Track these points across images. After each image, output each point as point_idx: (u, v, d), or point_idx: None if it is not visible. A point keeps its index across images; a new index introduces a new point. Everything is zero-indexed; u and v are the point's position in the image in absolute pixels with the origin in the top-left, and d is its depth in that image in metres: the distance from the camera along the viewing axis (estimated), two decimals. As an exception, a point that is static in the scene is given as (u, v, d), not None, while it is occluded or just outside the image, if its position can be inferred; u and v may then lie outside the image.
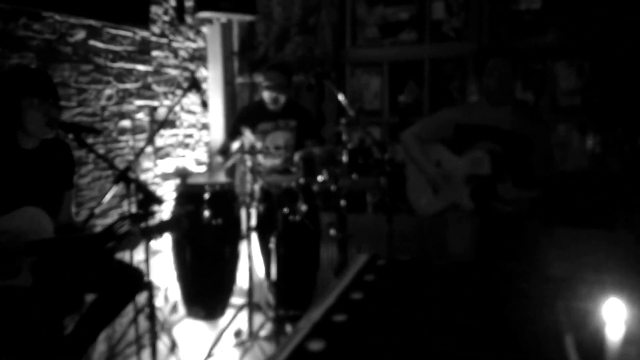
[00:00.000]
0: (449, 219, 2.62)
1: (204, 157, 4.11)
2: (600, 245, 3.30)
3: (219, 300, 3.13)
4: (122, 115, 3.19)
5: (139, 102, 3.36)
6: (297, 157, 3.11)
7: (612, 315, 1.02)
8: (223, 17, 3.59)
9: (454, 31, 3.72)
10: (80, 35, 2.87)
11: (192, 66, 3.94)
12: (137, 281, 2.36)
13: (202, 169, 4.05)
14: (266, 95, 3.30)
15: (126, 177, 2.38)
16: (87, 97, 2.94)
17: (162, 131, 3.61)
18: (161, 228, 2.12)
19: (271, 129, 3.34)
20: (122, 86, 3.20)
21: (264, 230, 3.01)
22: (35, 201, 1.99)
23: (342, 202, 3.05)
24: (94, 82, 2.98)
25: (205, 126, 4.17)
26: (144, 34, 3.38)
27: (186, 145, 3.90)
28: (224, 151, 3.41)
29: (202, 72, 4.07)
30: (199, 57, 4.03)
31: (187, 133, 3.93)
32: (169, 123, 3.69)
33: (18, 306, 1.94)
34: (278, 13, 4.00)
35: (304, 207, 2.92)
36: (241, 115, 3.46)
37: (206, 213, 2.97)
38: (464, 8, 3.66)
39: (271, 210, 2.95)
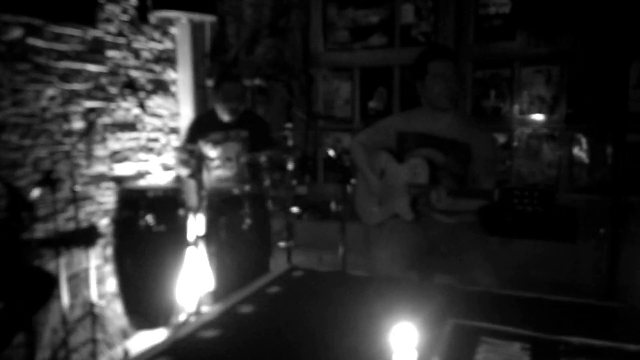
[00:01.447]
0: (383, 230, 2.42)
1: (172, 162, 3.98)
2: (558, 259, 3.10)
3: (162, 309, 2.97)
4: (67, 117, 3.07)
5: (91, 104, 3.24)
6: (241, 162, 2.95)
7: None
8: (182, 16, 3.45)
9: (424, 35, 3.51)
10: (17, 33, 2.77)
11: (157, 68, 3.82)
12: (51, 284, 2.24)
13: (169, 173, 3.91)
14: (224, 106, 3.16)
15: (51, 180, 2.27)
16: (24, 98, 2.83)
17: (119, 134, 3.50)
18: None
19: (222, 140, 3.20)
20: (68, 87, 3.09)
21: (209, 238, 2.86)
22: None
23: (295, 210, 2.88)
24: (33, 82, 2.88)
25: (174, 130, 4.04)
26: (97, 33, 3.27)
27: (150, 150, 3.77)
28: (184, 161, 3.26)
29: (169, 75, 3.94)
30: (166, 58, 3.91)
31: (151, 137, 3.80)
32: (128, 126, 3.57)
33: None
34: (248, 14, 3.86)
35: (247, 214, 2.76)
36: (193, 124, 3.34)
37: (147, 219, 2.81)
38: (433, 12, 3.44)
39: (215, 218, 2.80)
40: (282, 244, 2.80)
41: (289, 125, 2.74)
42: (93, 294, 2.85)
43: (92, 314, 2.87)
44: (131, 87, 2.72)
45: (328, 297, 1.72)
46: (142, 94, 2.98)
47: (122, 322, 3.20)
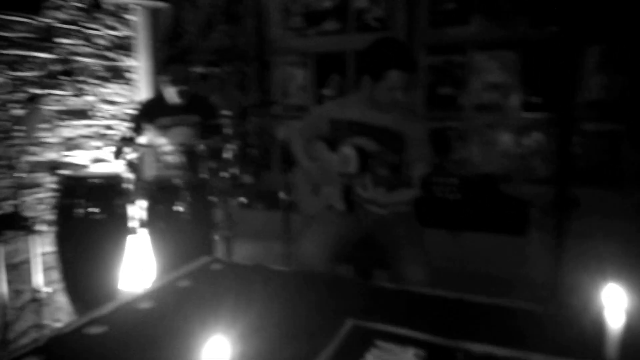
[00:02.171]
0: (313, 221, 2.43)
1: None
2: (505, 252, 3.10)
3: (102, 296, 3.01)
4: (14, 104, 3.09)
5: (41, 92, 3.26)
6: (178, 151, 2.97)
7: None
8: (134, 3, 3.45)
9: (377, 21, 3.49)
10: (-44, 20, 2.79)
11: (113, 55, 3.83)
12: None
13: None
14: (172, 90, 3.16)
15: None
16: (-34, 85, 2.86)
17: (72, 121, 3.52)
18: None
19: (171, 124, 3.20)
20: (15, 74, 3.10)
21: (148, 227, 2.89)
22: None
23: (240, 199, 2.91)
24: (-25, 70, 2.90)
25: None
26: (47, 20, 3.27)
27: (105, 137, 3.80)
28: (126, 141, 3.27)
29: (125, 62, 3.95)
30: (123, 45, 3.91)
31: (107, 124, 3.82)
32: (79, 113, 3.59)
33: None
34: (203, 1, 3.85)
35: (185, 203, 2.79)
36: (140, 110, 3.33)
37: (87, 206, 2.84)
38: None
39: (153, 207, 2.83)
40: (219, 234, 2.82)
41: (226, 112, 2.73)
42: (37, 281, 2.89)
43: (35, 300, 2.91)
44: (68, 74, 2.72)
45: (238, 292, 1.72)
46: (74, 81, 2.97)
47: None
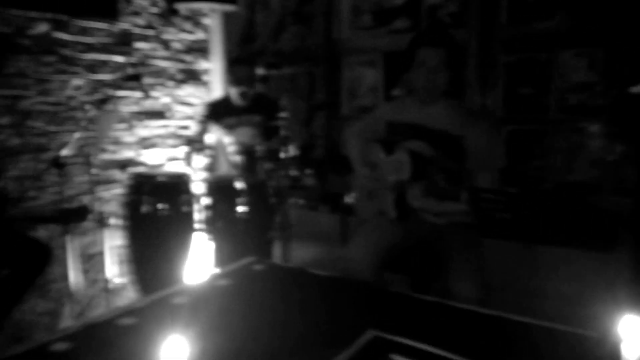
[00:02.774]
0: (364, 227, 2.36)
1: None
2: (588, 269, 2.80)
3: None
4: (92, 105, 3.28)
5: (120, 93, 3.44)
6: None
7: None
8: (204, 7, 3.56)
9: (451, 17, 3.34)
10: (42, 28, 3.00)
11: (188, 58, 3.97)
12: (48, 254, 2.43)
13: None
14: (233, 90, 3.23)
15: (59, 163, 2.47)
16: (50, 87, 3.07)
17: (148, 122, 3.69)
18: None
19: (236, 124, 3.26)
20: (94, 77, 3.30)
21: (208, 226, 2.96)
22: None
23: (300, 201, 2.90)
24: (58, 73, 3.10)
25: (206, 118, 4.19)
26: (125, 26, 3.46)
27: (179, 136, 3.94)
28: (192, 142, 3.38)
29: (201, 64, 4.08)
30: (198, 49, 4.05)
31: (181, 124, 3.96)
32: (156, 114, 3.76)
33: None
34: (275, 2, 3.89)
35: (244, 203, 2.82)
36: (208, 110, 3.43)
37: (154, 203, 2.95)
38: (462, -10, 3.26)
39: (213, 206, 2.90)
40: (276, 235, 2.82)
41: (283, 114, 2.73)
42: (110, 272, 3.05)
43: (107, 290, 3.07)
44: (135, 79, 2.85)
45: (271, 294, 1.73)
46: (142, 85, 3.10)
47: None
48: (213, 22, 4.08)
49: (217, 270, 1.97)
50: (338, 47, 3.74)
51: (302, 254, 3.08)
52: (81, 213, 2.39)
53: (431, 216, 2.23)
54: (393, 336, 1.34)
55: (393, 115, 2.39)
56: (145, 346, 1.28)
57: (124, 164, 2.95)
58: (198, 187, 3.00)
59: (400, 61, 2.36)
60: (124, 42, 3.46)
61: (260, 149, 2.80)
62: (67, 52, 3.13)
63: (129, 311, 1.58)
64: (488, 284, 1.97)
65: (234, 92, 3.23)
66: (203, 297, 1.72)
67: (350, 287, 1.80)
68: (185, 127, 3.98)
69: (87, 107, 3.13)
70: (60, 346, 1.33)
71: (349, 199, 3.66)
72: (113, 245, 3.30)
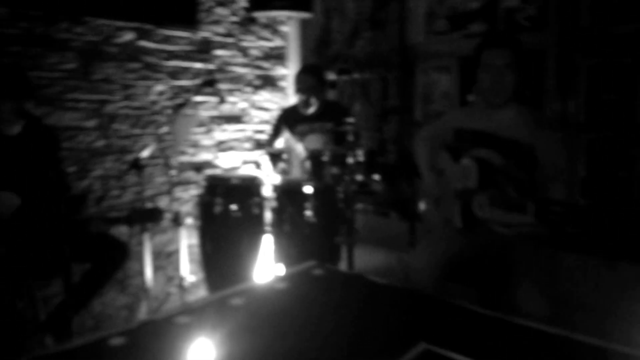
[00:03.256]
0: (429, 236, 2.29)
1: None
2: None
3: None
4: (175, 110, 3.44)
5: (198, 98, 3.58)
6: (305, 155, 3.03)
7: None
8: (281, 15, 3.62)
9: (529, 20, 3.18)
10: (128, 36, 3.18)
11: (266, 65, 4.06)
12: (124, 251, 2.58)
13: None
14: (297, 98, 3.28)
15: (138, 165, 2.62)
16: (134, 93, 3.25)
17: (225, 126, 3.82)
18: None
19: (307, 131, 3.30)
20: (175, 83, 3.46)
21: (276, 229, 3.01)
22: (12, 183, 2.27)
23: (365, 206, 2.89)
24: (143, 79, 3.28)
25: (282, 123, 4.26)
26: (206, 34, 3.60)
27: (254, 141, 4.04)
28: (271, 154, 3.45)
29: (278, 71, 4.16)
30: (276, 55, 4.13)
31: (257, 129, 4.06)
32: (234, 118, 3.88)
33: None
34: (351, 8, 3.89)
35: (311, 208, 2.84)
36: (280, 116, 3.49)
37: (226, 204, 3.04)
38: (541, -7, 3.09)
39: (281, 210, 2.95)
40: (342, 240, 2.81)
41: (350, 119, 2.72)
42: (183, 270, 3.17)
43: (181, 287, 3.19)
44: (210, 84, 2.94)
45: (327, 300, 1.72)
46: (221, 90, 3.20)
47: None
48: (290, 29, 4.15)
49: (278, 273, 1.99)
50: (412, 52, 3.67)
51: (368, 260, 3.04)
52: (154, 215, 2.51)
53: (499, 227, 2.14)
54: (445, 351, 1.29)
55: (462, 122, 2.33)
56: (197, 345, 1.32)
57: (199, 166, 3.05)
58: (268, 190, 3.05)
59: (470, 65, 2.29)
60: (204, 49, 3.61)
61: (328, 154, 2.80)
62: (150, 59, 3.31)
63: (186, 310, 1.63)
64: (559, 301, 1.84)
65: (299, 100, 3.28)
66: (260, 299, 1.74)
67: (407, 296, 1.75)
68: (261, 132, 4.07)
69: (168, 111, 3.29)
70: (118, 341, 1.39)
71: (419, 205, 3.59)
72: (188, 244, 3.43)
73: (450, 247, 2.16)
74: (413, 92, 3.67)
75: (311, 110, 3.26)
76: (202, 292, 3.51)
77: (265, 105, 4.09)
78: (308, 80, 3.23)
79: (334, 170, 2.72)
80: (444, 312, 1.60)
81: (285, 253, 2.96)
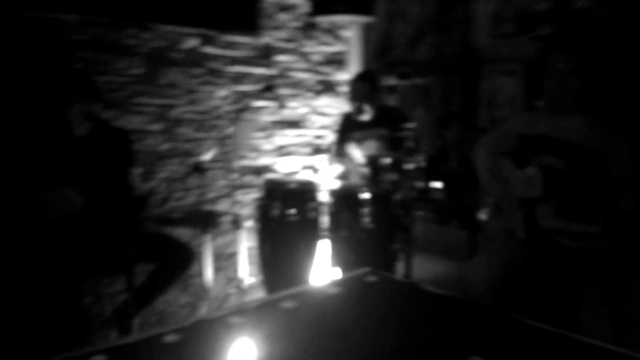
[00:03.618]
0: (489, 246, 2.20)
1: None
2: None
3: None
4: (236, 114, 3.51)
5: (259, 103, 3.64)
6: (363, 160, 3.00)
7: None
8: (342, 19, 3.62)
9: (601, 22, 3.00)
10: (193, 43, 3.28)
11: (327, 70, 4.07)
12: (191, 255, 2.64)
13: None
14: (350, 105, 3.28)
15: (200, 168, 2.70)
16: (198, 97, 3.34)
17: (285, 130, 3.86)
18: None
19: (363, 137, 3.28)
20: (238, 88, 3.52)
21: (333, 234, 3.00)
22: (78, 182, 2.38)
23: (423, 214, 2.83)
24: (206, 84, 3.37)
25: (342, 128, 4.25)
26: (267, 39, 3.65)
27: (314, 145, 4.05)
28: (339, 154, 3.46)
29: (339, 76, 4.16)
30: (337, 60, 4.13)
31: (317, 134, 4.07)
32: (294, 123, 3.91)
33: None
34: (414, 12, 3.84)
35: (368, 214, 2.82)
36: (342, 122, 3.49)
37: (283, 208, 3.05)
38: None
39: (338, 215, 2.94)
40: (399, 247, 2.76)
41: (410, 125, 2.68)
42: (241, 271, 3.21)
43: (239, 288, 3.24)
44: (270, 90, 2.98)
45: (377, 307, 1.70)
46: (280, 96, 3.24)
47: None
48: (352, 34, 4.14)
49: (332, 278, 1.98)
50: (477, 55, 3.57)
51: (426, 268, 2.97)
52: (209, 218, 2.56)
53: (565, 238, 2.02)
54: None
55: (526, 128, 2.23)
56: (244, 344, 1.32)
57: (258, 170, 3.09)
58: (325, 195, 3.05)
59: (536, 69, 2.19)
60: (265, 55, 3.66)
61: (385, 160, 2.77)
62: (214, 65, 3.39)
63: (240, 310, 1.64)
64: (628, 321, 1.72)
65: (352, 107, 3.28)
66: (312, 303, 1.73)
67: (462, 308, 1.69)
68: (320, 137, 4.08)
69: (230, 116, 3.36)
70: (172, 338, 1.42)
71: (481, 214, 3.47)
72: (248, 247, 3.48)
73: (510, 259, 2.07)
74: (477, 97, 3.56)
75: (365, 117, 3.25)
76: (260, 294, 3.55)
77: (326, 110, 4.10)
78: (361, 87, 3.22)
79: (392, 176, 2.67)
80: (500, 326, 1.53)
81: (341, 258, 2.94)
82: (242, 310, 1.64)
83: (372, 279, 1.97)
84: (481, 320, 1.57)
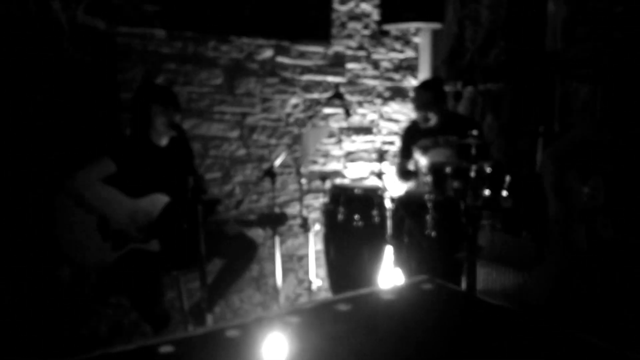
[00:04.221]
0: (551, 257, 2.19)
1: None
2: None
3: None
4: (306, 121, 3.66)
5: (329, 110, 3.77)
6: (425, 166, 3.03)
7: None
8: (411, 26, 3.66)
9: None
10: (268, 53, 3.46)
11: (397, 76, 4.13)
12: (253, 247, 2.82)
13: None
14: (416, 114, 3.32)
15: (272, 173, 2.88)
16: (272, 106, 3.52)
17: (354, 137, 3.96)
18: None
19: (431, 146, 3.30)
20: (308, 96, 3.67)
21: (395, 240, 3.07)
22: (164, 187, 2.62)
23: (489, 222, 2.85)
24: (279, 93, 3.54)
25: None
26: (338, 48, 3.77)
27: (385, 152, 4.11)
28: (403, 173, 3.50)
29: (409, 82, 4.20)
30: (407, 67, 4.18)
31: (386, 140, 4.14)
32: (363, 130, 4.00)
33: (146, 266, 2.58)
34: (485, 16, 3.81)
35: (431, 221, 2.86)
36: (404, 135, 3.53)
37: (349, 213, 3.16)
38: None
39: (401, 222, 3.00)
40: (464, 256, 2.77)
41: (474, 132, 2.69)
42: (311, 273, 3.35)
43: (309, 289, 3.38)
44: (339, 97, 3.08)
45: (433, 317, 1.75)
46: (348, 103, 3.33)
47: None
48: (423, 40, 4.17)
49: (388, 284, 2.06)
50: (550, 60, 3.49)
51: (493, 279, 2.97)
52: (280, 219, 2.71)
53: (625, 250, 1.99)
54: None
55: (592, 136, 2.20)
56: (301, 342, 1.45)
57: (325, 176, 3.22)
58: (390, 201, 3.12)
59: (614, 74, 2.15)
60: (337, 63, 3.78)
61: (450, 167, 2.79)
62: (286, 74, 3.56)
63: (296, 310, 1.77)
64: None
65: (416, 116, 3.31)
66: (365, 308, 1.82)
67: (516, 319, 1.72)
68: (390, 143, 4.14)
69: (301, 123, 3.52)
70: (233, 333, 1.57)
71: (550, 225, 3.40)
72: (317, 250, 3.62)
73: (564, 271, 2.06)
74: (551, 103, 3.49)
75: (431, 124, 3.27)
76: (326, 296, 3.67)
77: (395, 116, 4.16)
78: (425, 95, 3.25)
79: (456, 184, 2.70)
80: (552, 340, 1.55)
81: (404, 264, 3.01)
82: (298, 310, 1.76)
83: (427, 286, 2.03)
84: (535, 334, 1.59)
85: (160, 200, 2.62)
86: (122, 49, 2.92)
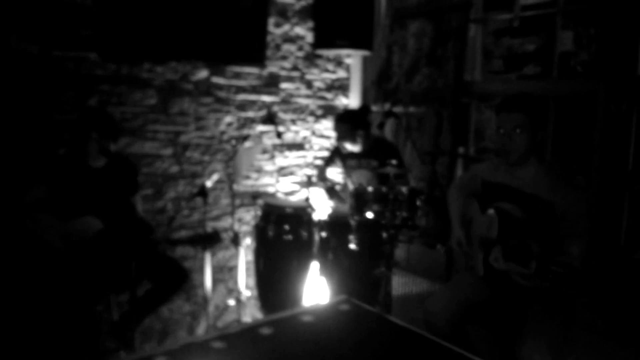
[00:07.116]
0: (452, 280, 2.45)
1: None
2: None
3: (287, 307, 3.47)
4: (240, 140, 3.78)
5: (262, 128, 3.92)
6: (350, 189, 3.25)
7: None
8: (342, 53, 3.87)
9: (582, 66, 3.22)
10: (203, 74, 3.57)
11: (329, 95, 4.33)
12: (184, 277, 2.93)
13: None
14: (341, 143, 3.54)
15: (204, 192, 2.98)
16: (206, 124, 3.63)
17: (287, 152, 4.13)
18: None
19: (356, 166, 3.53)
20: (243, 114, 3.81)
21: (321, 256, 3.27)
22: (96, 210, 2.68)
23: (410, 237, 3.10)
24: (214, 112, 3.66)
25: (342, 149, 4.52)
26: (273, 69, 3.92)
27: (315, 166, 4.32)
28: (323, 178, 3.72)
29: (340, 101, 4.42)
30: (339, 86, 4.39)
31: (317, 155, 4.34)
32: (296, 146, 4.18)
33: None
34: (411, 44, 4.08)
35: (353, 240, 3.09)
36: (335, 148, 3.73)
37: (278, 230, 3.33)
38: (594, 40, 3.13)
39: (327, 239, 3.21)
40: (381, 272, 3.01)
41: (393, 162, 2.94)
42: (240, 284, 3.49)
43: (238, 300, 3.52)
44: (271, 120, 3.25)
45: (349, 338, 1.94)
46: (280, 126, 3.50)
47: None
48: (354, 61, 4.39)
49: (306, 305, 2.23)
50: (467, 89, 3.80)
51: (409, 288, 3.23)
52: (213, 239, 2.84)
53: (520, 278, 2.25)
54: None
55: (488, 175, 2.46)
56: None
57: (256, 195, 3.37)
58: (317, 219, 3.31)
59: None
60: (271, 83, 3.94)
61: (371, 190, 3.00)
62: (221, 93, 3.68)
63: (222, 336, 1.91)
64: (566, 350, 1.96)
65: (339, 145, 3.54)
66: (287, 331, 1.99)
67: (424, 342, 1.92)
68: (321, 158, 4.35)
69: (233, 141, 3.64)
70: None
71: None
72: (247, 261, 3.77)
73: (464, 294, 2.32)
74: (466, 129, 3.80)
75: (355, 149, 3.49)
76: (254, 307, 3.83)
77: (326, 133, 4.36)
78: (342, 128, 3.46)
79: (376, 207, 2.92)
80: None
81: (330, 279, 3.21)
82: (224, 336, 1.91)
83: (344, 307, 2.23)
84: (441, 355, 1.81)
85: (92, 224, 2.67)
86: (54, 72, 2.95)
